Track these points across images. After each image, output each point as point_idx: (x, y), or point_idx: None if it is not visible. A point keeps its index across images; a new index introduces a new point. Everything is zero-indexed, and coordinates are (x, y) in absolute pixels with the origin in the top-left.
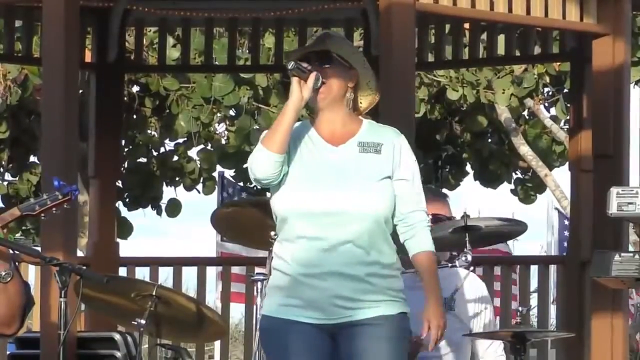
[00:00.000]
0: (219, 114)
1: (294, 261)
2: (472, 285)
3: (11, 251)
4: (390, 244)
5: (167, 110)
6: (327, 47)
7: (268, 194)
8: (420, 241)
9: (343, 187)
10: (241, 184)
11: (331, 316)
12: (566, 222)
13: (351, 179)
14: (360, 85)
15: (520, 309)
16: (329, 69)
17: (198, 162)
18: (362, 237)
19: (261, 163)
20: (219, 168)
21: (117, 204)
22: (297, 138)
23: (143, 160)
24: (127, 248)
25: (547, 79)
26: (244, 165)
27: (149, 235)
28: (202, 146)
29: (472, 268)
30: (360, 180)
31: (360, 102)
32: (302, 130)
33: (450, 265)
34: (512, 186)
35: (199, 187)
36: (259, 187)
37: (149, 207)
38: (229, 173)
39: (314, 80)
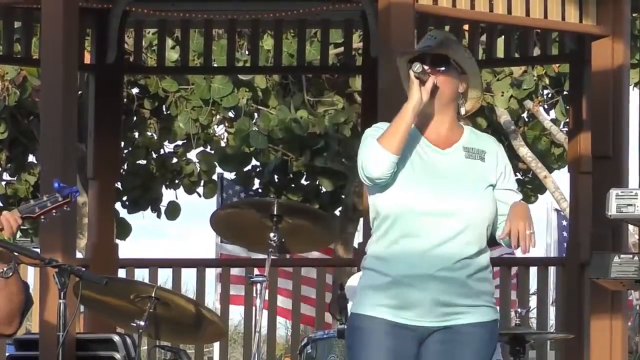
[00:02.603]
0: (218, 116)
1: (395, 262)
2: None
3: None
4: (487, 248)
5: (166, 112)
6: (447, 51)
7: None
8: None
9: (452, 190)
10: (240, 187)
11: (429, 319)
12: (564, 223)
13: (460, 183)
14: (467, 91)
15: (519, 310)
16: (444, 72)
17: (197, 164)
18: (468, 242)
19: (378, 162)
20: (218, 170)
21: (116, 206)
22: (376, 134)
23: (142, 162)
24: (126, 249)
25: (547, 81)
26: (245, 169)
27: (148, 236)
28: (201, 148)
29: None
30: (468, 185)
31: (465, 107)
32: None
33: None
34: None
35: (200, 190)
36: (368, 184)
37: (149, 209)
38: (229, 176)
39: (432, 83)
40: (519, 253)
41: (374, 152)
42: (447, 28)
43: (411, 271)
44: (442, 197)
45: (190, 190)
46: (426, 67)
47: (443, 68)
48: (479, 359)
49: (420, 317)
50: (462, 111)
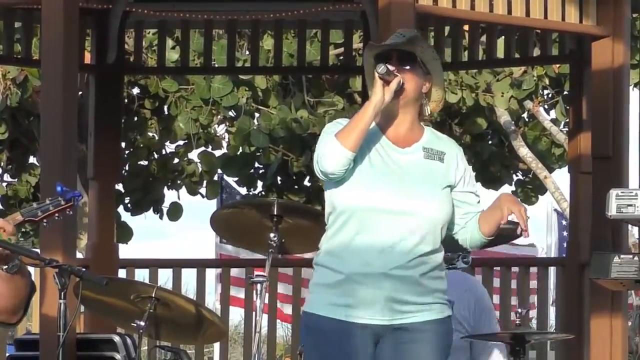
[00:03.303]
0: (218, 116)
1: (348, 259)
2: (473, 289)
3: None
4: (441, 247)
5: (167, 112)
6: (415, 49)
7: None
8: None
9: (410, 189)
10: (244, 189)
11: (383, 317)
12: (564, 223)
13: (418, 182)
14: (430, 92)
15: (519, 310)
16: (410, 71)
17: (199, 165)
18: (423, 241)
19: (334, 158)
20: (219, 170)
21: (118, 209)
22: (335, 129)
23: (144, 163)
24: (126, 249)
25: (547, 81)
26: (248, 172)
27: (148, 236)
28: (202, 148)
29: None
30: (426, 185)
31: (426, 108)
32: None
33: (449, 266)
34: (512, 188)
35: (203, 190)
36: (322, 179)
37: (151, 210)
38: (232, 179)
39: (397, 84)
40: (519, 241)
41: (330, 147)
42: (447, 28)
43: (365, 269)
44: (399, 195)
45: (193, 192)
46: (391, 67)
47: (408, 67)
48: (438, 354)
49: (374, 316)
50: (427, 111)
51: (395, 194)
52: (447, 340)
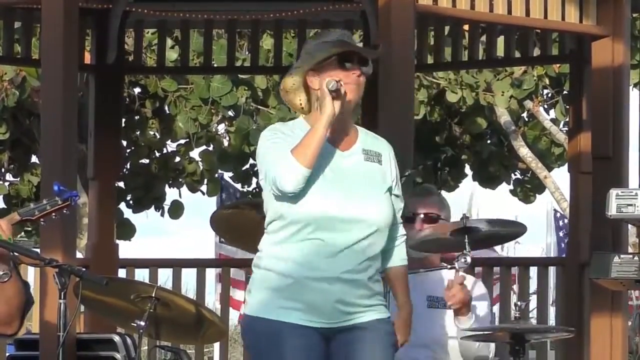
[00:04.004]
0: (217, 115)
1: (298, 263)
2: (467, 284)
3: (11, 253)
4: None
5: (167, 112)
6: (376, 56)
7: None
8: (400, 253)
9: (360, 194)
10: (239, 185)
11: (332, 320)
12: (562, 223)
13: (364, 186)
14: None
15: (518, 303)
16: (362, 76)
17: (200, 164)
18: (372, 245)
19: (294, 178)
20: (218, 169)
21: (120, 206)
22: (286, 141)
23: (145, 161)
24: (126, 248)
25: (547, 81)
26: (244, 168)
27: (148, 234)
28: (204, 147)
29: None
30: (372, 188)
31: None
32: (296, 130)
33: (449, 267)
34: (511, 187)
35: (203, 188)
36: (278, 194)
37: (152, 208)
38: (227, 175)
39: (344, 96)
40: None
41: (288, 168)
42: (447, 28)
43: (315, 273)
44: (349, 202)
45: (193, 189)
46: (341, 86)
47: (363, 71)
48: (387, 349)
49: (324, 319)
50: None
51: (345, 200)
52: (392, 339)
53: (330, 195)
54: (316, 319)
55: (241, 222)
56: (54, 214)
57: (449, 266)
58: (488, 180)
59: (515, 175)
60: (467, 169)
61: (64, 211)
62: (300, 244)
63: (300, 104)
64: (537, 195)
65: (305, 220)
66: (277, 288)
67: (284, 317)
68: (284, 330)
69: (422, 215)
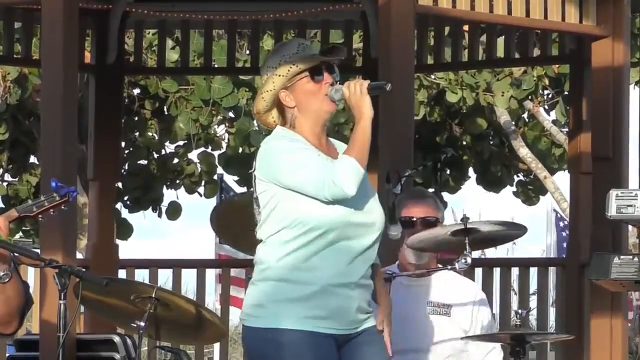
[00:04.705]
0: (218, 116)
1: (321, 270)
2: (468, 290)
3: (11, 253)
4: None
5: (166, 112)
6: (344, 56)
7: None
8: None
9: (369, 200)
10: (245, 189)
11: (351, 326)
12: (562, 224)
13: (368, 192)
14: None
15: (519, 311)
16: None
17: (198, 165)
18: (374, 248)
19: (357, 179)
20: (218, 170)
21: (117, 206)
22: (309, 148)
23: (143, 162)
24: (126, 249)
25: (547, 81)
26: (249, 171)
27: (148, 236)
28: (202, 149)
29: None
30: (370, 192)
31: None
32: (300, 139)
33: (449, 267)
34: (513, 188)
35: (201, 189)
36: (331, 199)
37: (150, 209)
38: (232, 178)
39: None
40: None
41: (349, 170)
42: (447, 28)
43: (339, 280)
44: (365, 207)
45: (191, 190)
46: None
47: (334, 78)
48: (387, 355)
49: (345, 325)
50: None
51: (362, 207)
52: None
53: (346, 201)
54: (338, 326)
55: (241, 222)
56: (52, 210)
57: (449, 267)
58: (491, 182)
59: (517, 177)
60: (470, 172)
61: (62, 207)
62: (323, 251)
63: (274, 121)
64: (540, 197)
65: (327, 225)
66: (298, 298)
67: (308, 327)
68: (309, 340)
69: (420, 219)
